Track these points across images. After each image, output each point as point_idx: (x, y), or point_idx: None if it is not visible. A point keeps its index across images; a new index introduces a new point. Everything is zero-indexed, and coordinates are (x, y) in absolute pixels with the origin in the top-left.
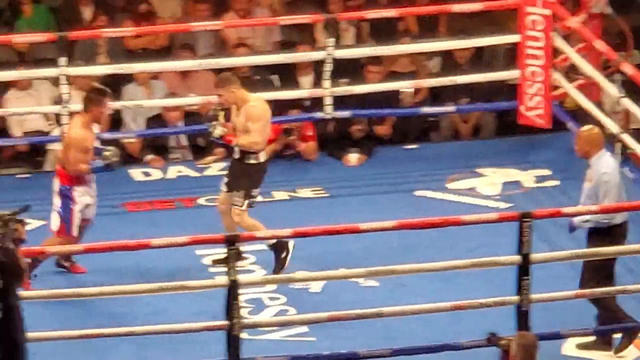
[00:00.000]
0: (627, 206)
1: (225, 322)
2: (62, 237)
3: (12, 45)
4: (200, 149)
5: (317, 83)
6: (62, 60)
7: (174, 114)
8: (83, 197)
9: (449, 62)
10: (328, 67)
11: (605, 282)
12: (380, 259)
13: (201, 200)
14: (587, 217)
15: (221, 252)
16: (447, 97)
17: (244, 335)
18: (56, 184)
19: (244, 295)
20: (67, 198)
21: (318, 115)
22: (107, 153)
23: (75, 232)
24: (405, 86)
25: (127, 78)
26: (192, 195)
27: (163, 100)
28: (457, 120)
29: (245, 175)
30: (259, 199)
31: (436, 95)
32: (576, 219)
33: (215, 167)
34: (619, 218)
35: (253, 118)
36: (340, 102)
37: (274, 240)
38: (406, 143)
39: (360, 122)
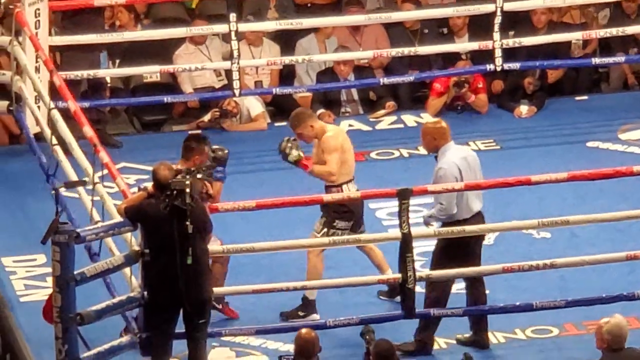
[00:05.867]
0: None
1: (398, 275)
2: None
3: (182, 2)
4: (370, 102)
5: (480, 37)
6: (232, 16)
7: (345, 67)
8: None
9: (618, 12)
10: (498, 20)
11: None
12: (553, 210)
13: (373, 154)
14: (430, 212)
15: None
16: (617, 48)
17: (418, 288)
18: None
19: (417, 248)
20: None
21: (488, 67)
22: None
23: None
24: (575, 37)
25: (301, 32)
26: (364, 149)
27: (333, 54)
28: (627, 71)
29: (329, 206)
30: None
31: (606, 46)
32: (424, 214)
33: (387, 121)
34: (464, 212)
35: (328, 149)
36: (509, 54)
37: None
38: (576, 94)
39: (533, 75)
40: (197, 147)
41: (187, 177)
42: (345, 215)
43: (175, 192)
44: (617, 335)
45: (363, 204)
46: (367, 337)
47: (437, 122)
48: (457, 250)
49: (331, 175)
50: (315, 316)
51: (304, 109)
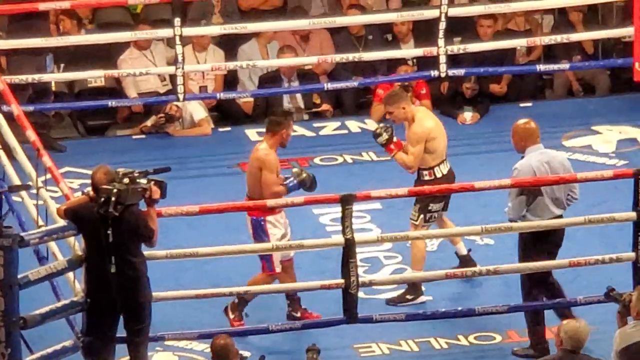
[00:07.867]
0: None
1: (341, 281)
2: (265, 274)
3: (127, 7)
4: (315, 106)
5: (425, 43)
6: (177, 20)
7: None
8: (275, 228)
9: (563, 20)
10: (442, 26)
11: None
12: (497, 216)
13: (317, 160)
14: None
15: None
16: (561, 55)
17: (360, 294)
18: (247, 220)
19: (360, 254)
20: (260, 233)
21: (432, 73)
22: (295, 170)
23: (278, 268)
24: (519, 44)
25: (243, 37)
26: (308, 155)
27: (277, 60)
28: (571, 78)
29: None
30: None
31: (550, 53)
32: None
33: (331, 127)
34: (540, 214)
35: (412, 141)
36: (454, 60)
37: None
38: (521, 101)
39: (470, 80)
40: (285, 121)
41: (121, 182)
42: (437, 197)
43: (102, 198)
44: (572, 336)
45: (453, 179)
46: (309, 355)
47: (527, 122)
48: (536, 243)
49: (408, 169)
50: (423, 297)
51: (401, 90)
